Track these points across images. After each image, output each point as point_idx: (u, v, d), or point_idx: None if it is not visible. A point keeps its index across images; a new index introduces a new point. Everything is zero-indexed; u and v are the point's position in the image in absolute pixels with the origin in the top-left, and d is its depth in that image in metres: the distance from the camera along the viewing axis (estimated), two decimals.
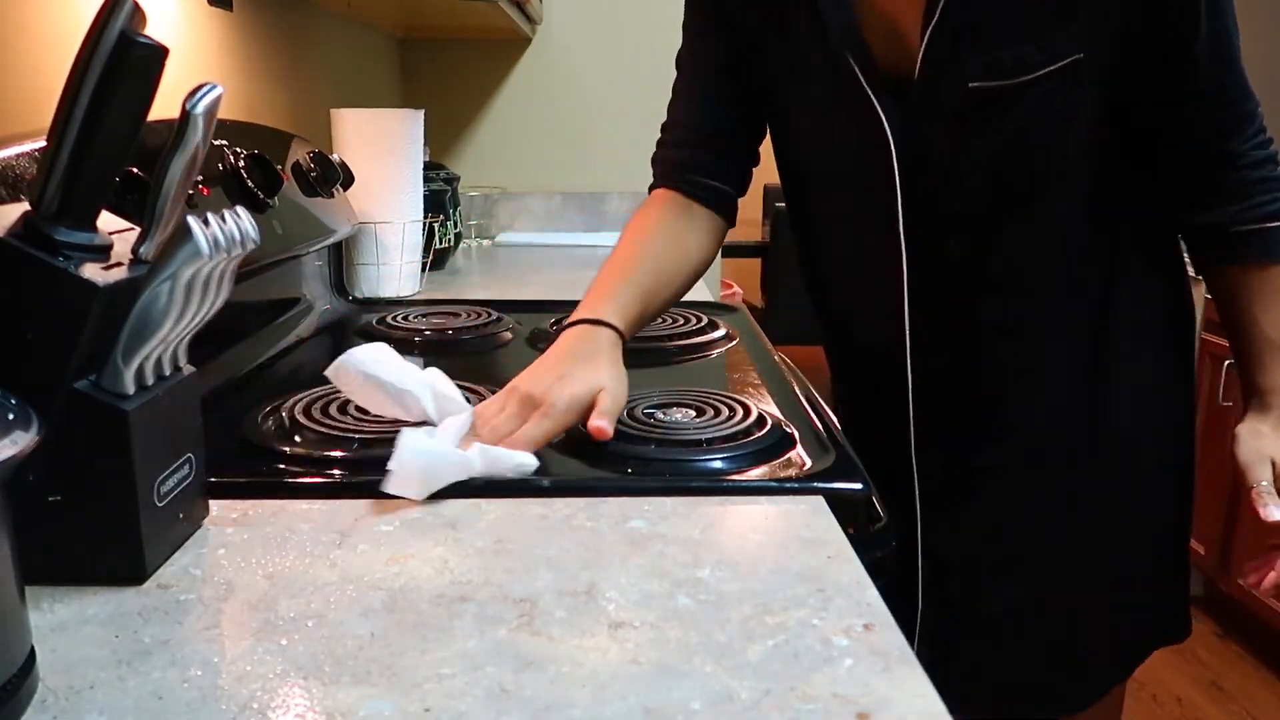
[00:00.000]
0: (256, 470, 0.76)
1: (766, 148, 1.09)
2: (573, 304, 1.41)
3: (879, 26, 0.91)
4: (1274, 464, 0.92)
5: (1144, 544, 1.03)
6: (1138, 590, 1.03)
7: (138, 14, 0.53)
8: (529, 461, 0.74)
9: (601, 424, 0.79)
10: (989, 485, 1.01)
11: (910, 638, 0.94)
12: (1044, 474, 1.00)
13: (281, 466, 0.77)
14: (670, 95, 1.09)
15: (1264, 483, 0.91)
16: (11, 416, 0.44)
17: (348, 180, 1.42)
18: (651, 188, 1.08)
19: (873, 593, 0.57)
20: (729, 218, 1.07)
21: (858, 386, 1.13)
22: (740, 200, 1.09)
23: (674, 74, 1.09)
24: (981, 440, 1.00)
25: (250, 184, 1.09)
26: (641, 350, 1.19)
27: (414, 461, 0.69)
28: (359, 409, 0.87)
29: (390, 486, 0.69)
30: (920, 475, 1.02)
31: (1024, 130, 0.88)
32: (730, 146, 1.06)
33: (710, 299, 1.57)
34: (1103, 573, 1.01)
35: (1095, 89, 0.87)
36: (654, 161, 1.09)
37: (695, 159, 1.05)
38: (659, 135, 1.09)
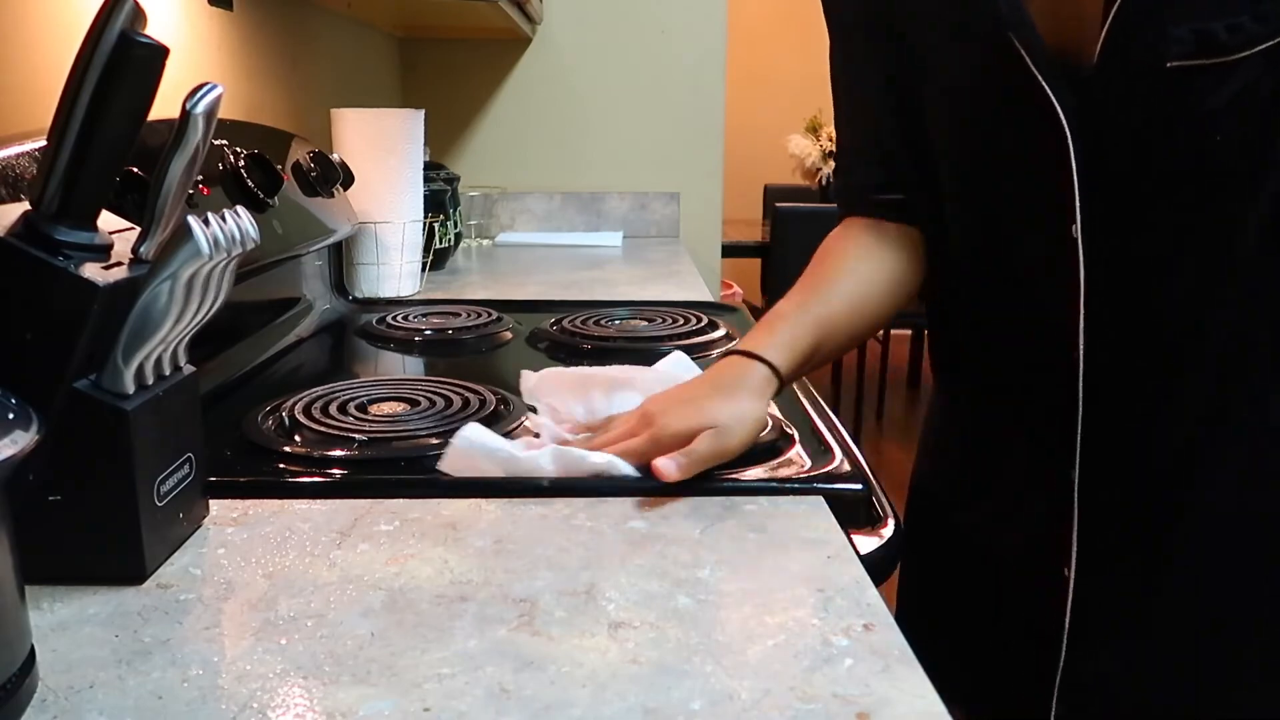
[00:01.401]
0: (256, 470, 0.76)
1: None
2: (572, 304, 1.42)
3: (1052, 13, 0.78)
4: None
5: None
6: None
7: (138, 14, 0.53)
8: (612, 467, 0.73)
9: (667, 465, 0.72)
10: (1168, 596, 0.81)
11: None
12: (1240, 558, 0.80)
13: (281, 466, 0.77)
14: (834, 116, 0.98)
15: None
16: (11, 416, 0.44)
17: (348, 180, 1.42)
18: (840, 218, 0.96)
19: (873, 593, 0.57)
20: (926, 229, 0.93)
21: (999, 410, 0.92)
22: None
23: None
24: (1161, 499, 0.81)
25: (250, 184, 1.09)
26: (642, 350, 1.20)
27: (458, 447, 0.74)
28: (359, 409, 0.87)
29: (441, 464, 0.74)
30: (1080, 494, 0.82)
31: (1230, 115, 0.73)
32: (909, 159, 0.93)
33: (710, 299, 1.57)
34: None
35: None
36: (835, 193, 0.99)
37: (878, 180, 0.93)
38: (834, 164, 0.98)
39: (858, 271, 0.91)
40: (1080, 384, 0.80)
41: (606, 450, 0.75)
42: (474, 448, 0.74)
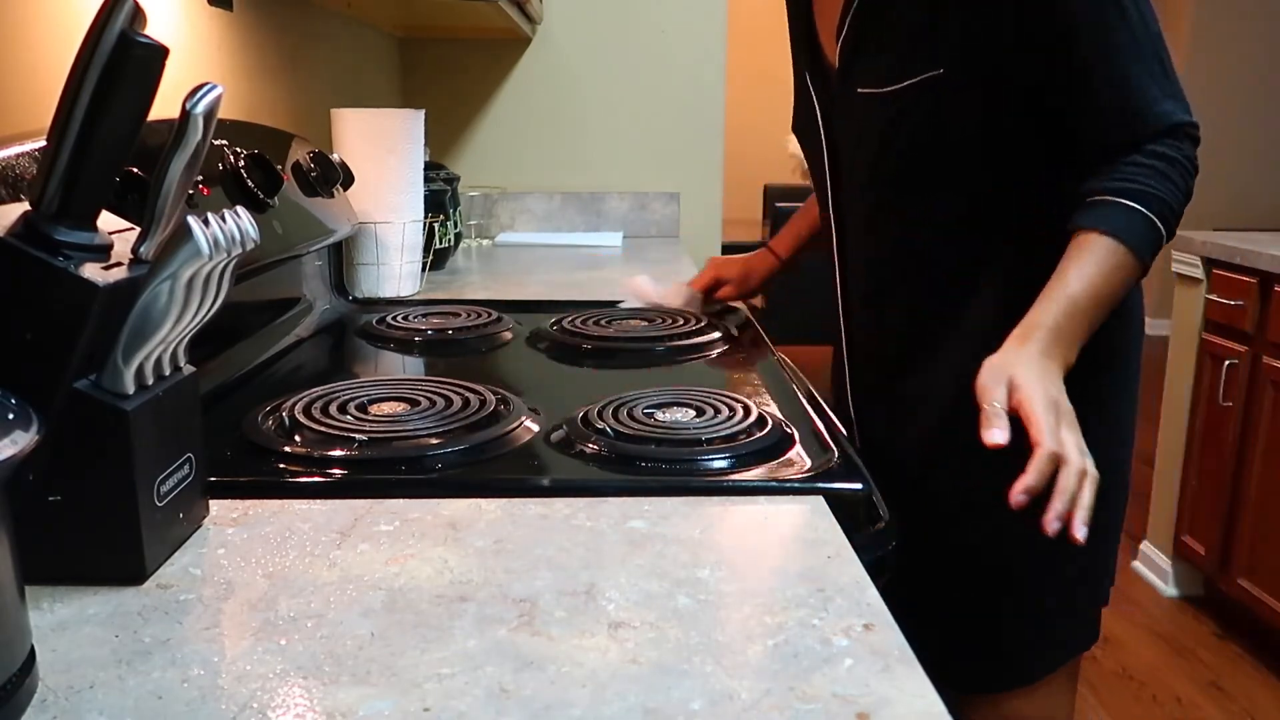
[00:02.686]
0: (256, 470, 0.76)
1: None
2: (573, 304, 1.42)
3: (827, 31, 1.09)
4: (1010, 383, 0.86)
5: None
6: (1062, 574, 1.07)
7: (138, 14, 0.53)
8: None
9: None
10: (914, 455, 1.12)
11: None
12: (954, 448, 1.01)
13: (281, 466, 0.77)
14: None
15: (996, 403, 0.85)
16: (11, 416, 0.44)
17: (348, 180, 1.42)
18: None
19: (873, 593, 0.57)
20: None
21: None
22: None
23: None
24: (896, 406, 1.13)
25: (250, 184, 1.09)
26: (642, 350, 1.20)
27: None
28: (359, 409, 0.87)
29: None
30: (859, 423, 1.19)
31: (900, 128, 1.01)
32: None
33: None
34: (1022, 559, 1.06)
35: (969, 96, 0.96)
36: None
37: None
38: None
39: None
40: (841, 323, 1.17)
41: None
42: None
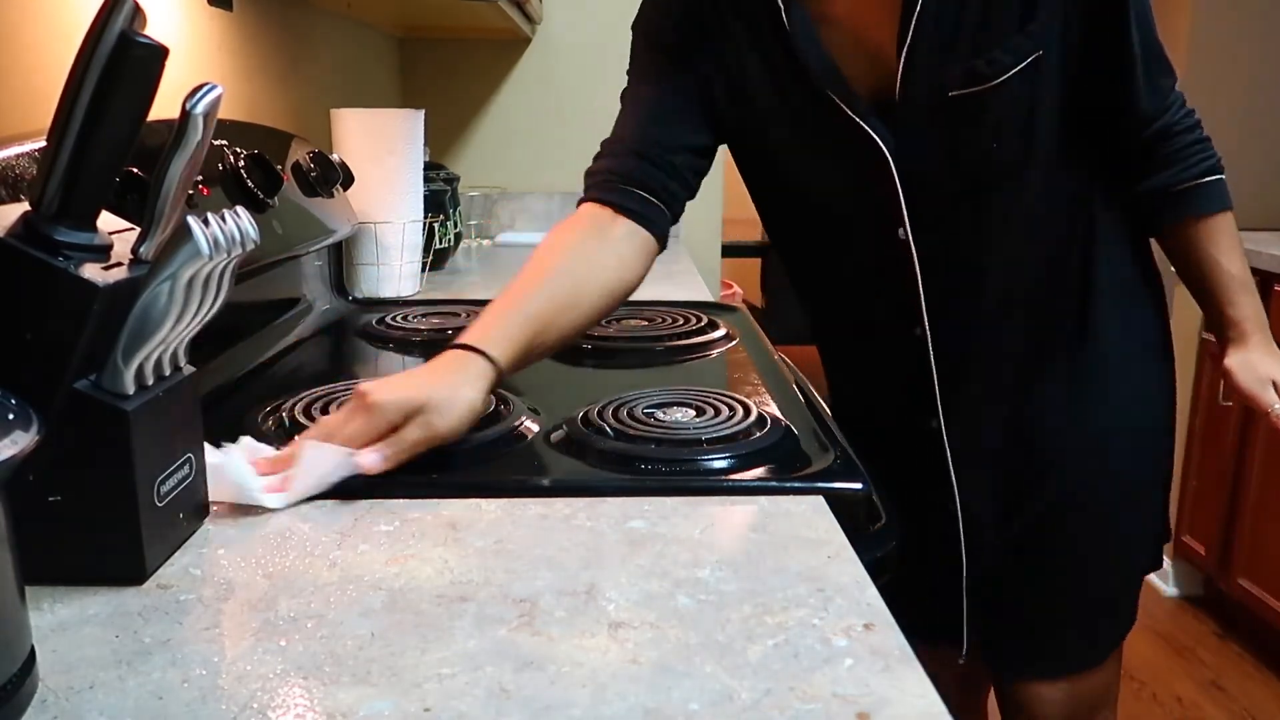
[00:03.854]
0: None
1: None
2: None
3: (853, 55, 0.97)
4: (1275, 384, 1.01)
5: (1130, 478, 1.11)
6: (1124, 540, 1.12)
7: (138, 14, 0.53)
8: (344, 465, 0.70)
9: (370, 459, 0.71)
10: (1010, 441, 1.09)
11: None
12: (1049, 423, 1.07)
13: None
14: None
15: (1276, 405, 1.01)
16: (11, 416, 0.44)
17: (348, 180, 1.42)
18: (580, 202, 1.02)
19: (873, 593, 0.57)
20: (660, 237, 1.01)
21: (870, 379, 1.17)
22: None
23: None
24: (998, 402, 1.08)
25: (250, 184, 1.09)
26: (642, 350, 1.20)
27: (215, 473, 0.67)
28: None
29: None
30: (949, 437, 1.09)
31: (1001, 124, 0.96)
32: (666, 165, 1.01)
33: (710, 299, 1.57)
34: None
35: (1057, 78, 0.95)
36: (586, 175, 1.04)
37: (627, 168, 1.00)
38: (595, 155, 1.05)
39: (574, 273, 0.94)
40: (931, 352, 1.04)
41: (322, 440, 0.72)
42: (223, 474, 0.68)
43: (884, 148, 0.96)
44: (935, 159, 0.98)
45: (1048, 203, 1.01)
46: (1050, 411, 1.06)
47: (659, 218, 1.00)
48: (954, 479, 1.09)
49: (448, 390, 0.76)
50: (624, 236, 0.98)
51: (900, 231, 0.99)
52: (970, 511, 1.10)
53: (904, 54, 0.93)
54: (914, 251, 1.00)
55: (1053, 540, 1.09)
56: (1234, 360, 1.03)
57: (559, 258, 0.96)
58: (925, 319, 1.02)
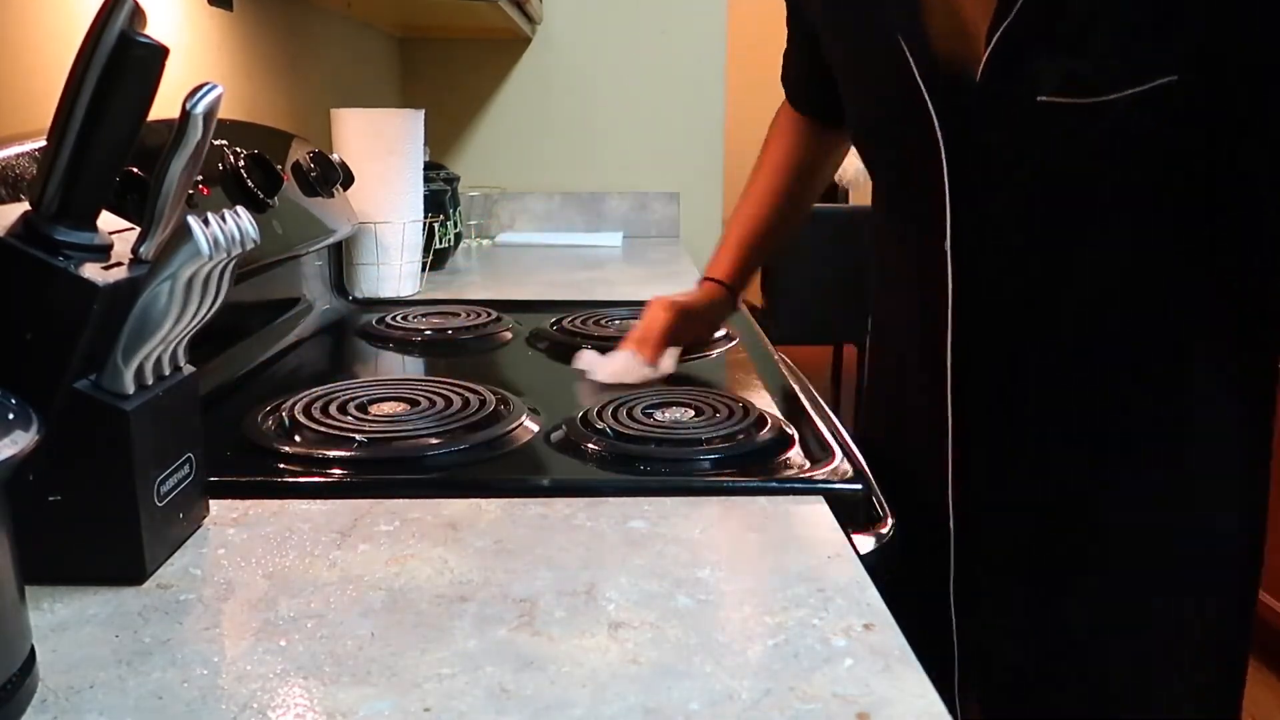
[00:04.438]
0: (256, 470, 0.76)
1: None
2: (572, 304, 1.42)
3: (944, 18, 0.80)
4: None
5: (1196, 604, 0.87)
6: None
7: (138, 14, 0.53)
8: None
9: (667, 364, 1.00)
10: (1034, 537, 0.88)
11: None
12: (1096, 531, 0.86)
13: (281, 466, 0.77)
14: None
15: None
16: (11, 416, 0.44)
17: (348, 180, 1.41)
18: (784, 105, 1.18)
19: (873, 593, 0.57)
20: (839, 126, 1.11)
21: (895, 398, 1.01)
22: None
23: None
24: (1025, 475, 0.87)
25: (250, 184, 1.09)
26: None
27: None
28: (359, 409, 0.87)
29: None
30: (955, 506, 0.89)
31: (1096, 156, 0.76)
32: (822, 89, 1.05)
33: None
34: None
35: (1189, 119, 0.73)
36: (783, 81, 1.18)
37: (803, 88, 1.13)
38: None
39: (792, 191, 1.15)
40: (949, 389, 0.86)
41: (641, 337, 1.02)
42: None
43: (939, 132, 0.79)
44: (999, 170, 0.79)
45: (1141, 267, 0.79)
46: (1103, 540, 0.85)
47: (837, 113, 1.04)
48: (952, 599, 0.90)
49: (682, 312, 1.07)
50: (827, 138, 1.14)
51: (943, 244, 0.83)
52: (973, 623, 0.91)
53: (998, 33, 0.75)
54: (949, 266, 0.83)
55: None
56: None
57: (783, 178, 1.15)
58: (949, 369, 0.85)
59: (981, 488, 0.87)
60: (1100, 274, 0.80)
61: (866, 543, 0.70)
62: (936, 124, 0.80)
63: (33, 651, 0.47)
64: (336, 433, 0.81)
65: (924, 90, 0.80)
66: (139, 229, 0.59)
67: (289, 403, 0.88)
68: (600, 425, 0.83)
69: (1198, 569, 0.85)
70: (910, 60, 0.80)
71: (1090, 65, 0.73)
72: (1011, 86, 0.76)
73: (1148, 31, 0.71)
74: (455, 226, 1.87)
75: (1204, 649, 0.88)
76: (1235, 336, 0.83)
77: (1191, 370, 0.81)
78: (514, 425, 0.85)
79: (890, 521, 0.75)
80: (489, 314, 1.34)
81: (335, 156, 1.39)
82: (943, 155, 0.81)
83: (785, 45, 1.16)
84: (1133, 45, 0.72)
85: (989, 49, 0.76)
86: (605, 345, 1.20)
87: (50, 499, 0.56)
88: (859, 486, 0.74)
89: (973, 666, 0.91)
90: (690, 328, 1.09)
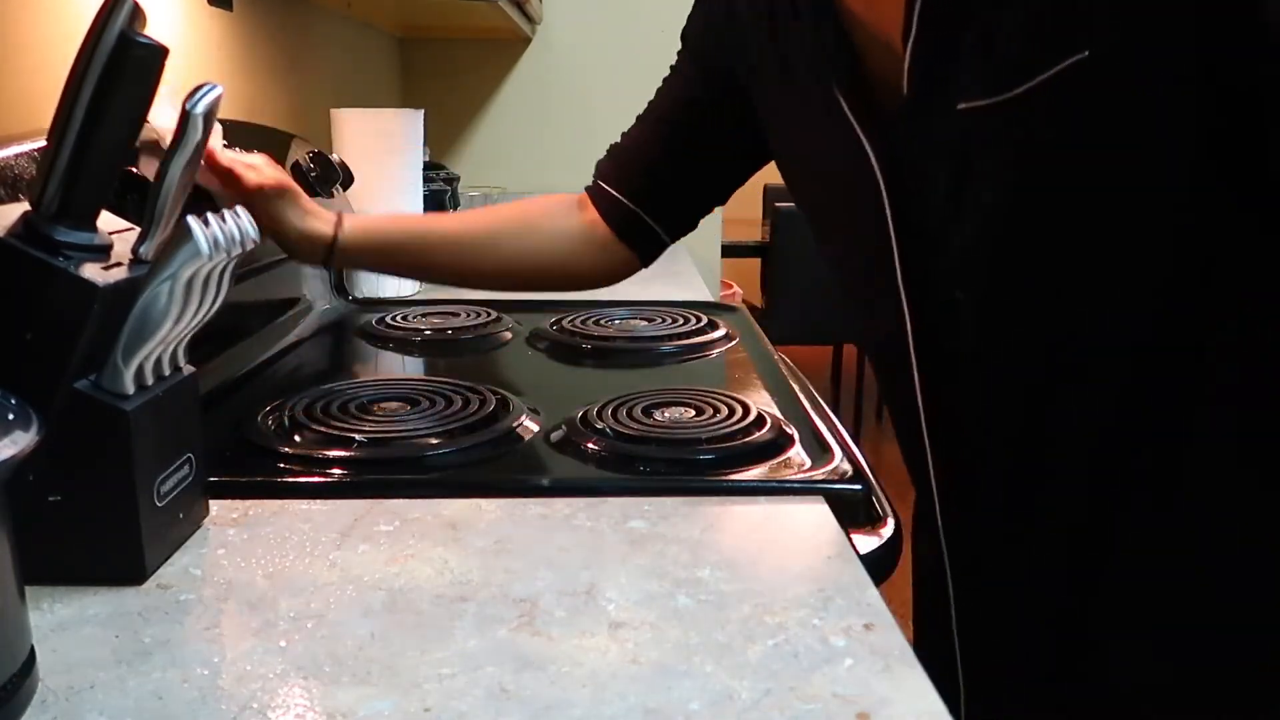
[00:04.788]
0: (256, 470, 0.76)
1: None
2: (572, 304, 1.42)
3: (870, 45, 0.75)
4: None
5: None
6: None
7: (138, 14, 0.53)
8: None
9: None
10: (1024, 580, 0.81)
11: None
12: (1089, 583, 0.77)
13: (281, 466, 0.77)
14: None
15: None
16: (11, 416, 0.44)
17: (348, 180, 1.41)
18: (587, 188, 1.03)
19: (873, 593, 0.57)
20: (643, 254, 1.02)
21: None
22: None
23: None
24: (1011, 518, 0.79)
25: None
26: (641, 350, 1.20)
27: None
28: (359, 409, 0.87)
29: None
30: (950, 552, 0.83)
31: (1029, 157, 0.69)
32: (674, 181, 0.98)
33: (710, 299, 1.57)
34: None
35: (1128, 96, 0.66)
36: (598, 166, 1.04)
37: (624, 176, 0.99)
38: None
39: (502, 233, 1.02)
40: (923, 424, 0.79)
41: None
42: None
43: (875, 164, 0.74)
44: (940, 193, 0.73)
45: (1128, 279, 0.70)
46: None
47: (650, 238, 1.01)
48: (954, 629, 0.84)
49: (293, 210, 0.95)
50: (608, 242, 1.02)
51: (895, 277, 0.76)
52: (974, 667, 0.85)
53: (908, 50, 0.70)
54: (905, 307, 0.76)
55: None
56: None
57: (505, 214, 1.02)
58: (923, 417, 0.79)
59: (961, 503, 0.82)
60: (1059, 284, 0.72)
61: (867, 543, 0.70)
62: (872, 158, 0.75)
63: (33, 651, 0.47)
64: (336, 433, 0.81)
65: (854, 124, 0.75)
66: (139, 229, 0.59)
67: (289, 403, 0.88)
68: (600, 425, 0.83)
69: (1212, 590, 0.75)
70: (840, 98, 0.76)
71: (999, 61, 0.67)
72: (931, 102, 0.71)
73: (1052, 14, 0.65)
74: None
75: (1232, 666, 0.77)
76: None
77: (1178, 385, 0.72)
78: (514, 425, 0.85)
79: (890, 521, 0.75)
80: (489, 314, 1.34)
81: (335, 156, 1.39)
82: (882, 190, 0.75)
83: (633, 134, 1.01)
84: (1039, 31, 0.66)
85: (906, 65, 0.71)
86: (606, 345, 1.20)
87: (50, 499, 0.56)
88: (859, 486, 0.74)
89: (973, 661, 0.86)
90: (278, 206, 0.95)
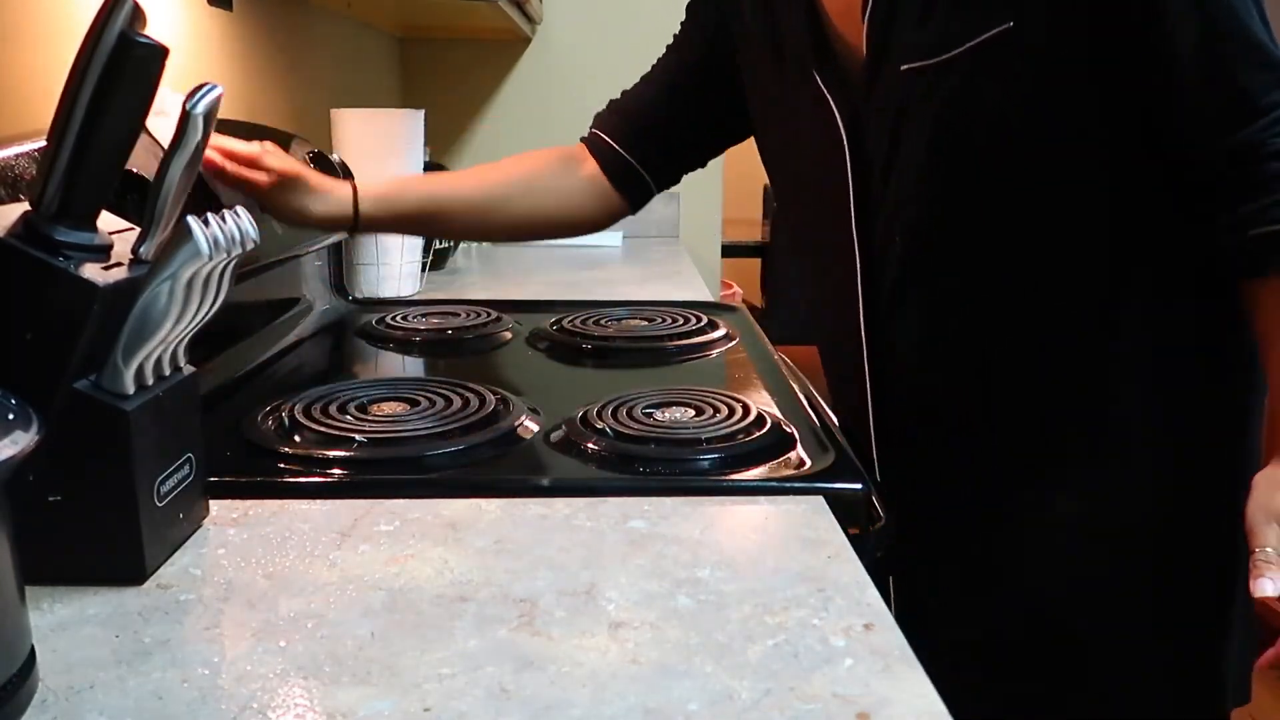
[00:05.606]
0: (256, 470, 0.76)
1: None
2: (572, 304, 1.42)
3: (841, 16, 0.86)
4: None
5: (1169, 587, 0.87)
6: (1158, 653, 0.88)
7: (138, 14, 0.53)
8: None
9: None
10: (960, 515, 0.90)
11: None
12: (1026, 497, 0.87)
13: (281, 466, 0.77)
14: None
15: (1269, 549, 0.72)
16: (11, 416, 0.44)
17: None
18: (584, 136, 1.11)
19: (873, 593, 0.57)
20: (633, 201, 1.10)
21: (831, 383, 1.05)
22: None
23: None
24: (948, 465, 0.89)
25: None
26: (641, 350, 1.20)
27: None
28: (359, 409, 0.87)
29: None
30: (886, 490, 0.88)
31: (958, 117, 0.78)
32: (668, 137, 1.07)
33: (710, 299, 1.57)
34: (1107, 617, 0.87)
35: (1045, 67, 0.75)
36: (595, 115, 1.12)
37: (629, 129, 1.07)
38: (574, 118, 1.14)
39: (508, 193, 1.10)
40: (865, 364, 0.90)
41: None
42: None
43: (840, 122, 0.84)
44: (883, 148, 0.83)
45: (1039, 234, 0.81)
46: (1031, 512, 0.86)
47: (638, 183, 1.08)
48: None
49: (310, 196, 0.97)
50: (595, 185, 1.09)
51: (850, 228, 0.87)
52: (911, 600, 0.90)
53: (865, 16, 0.81)
54: (857, 256, 0.86)
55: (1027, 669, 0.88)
56: (1261, 477, 0.76)
57: (512, 173, 1.10)
58: (866, 364, 0.87)
59: (902, 470, 0.90)
60: (1003, 244, 0.82)
61: (866, 543, 0.70)
62: (837, 117, 0.85)
63: (33, 652, 0.47)
64: (336, 433, 0.81)
65: (822, 86, 0.86)
66: (139, 229, 0.59)
67: (289, 403, 0.88)
68: (600, 425, 0.83)
69: (1121, 558, 0.86)
70: (821, 87, 0.86)
71: (935, 29, 0.77)
72: (883, 65, 0.81)
73: None
74: None
75: (1168, 632, 0.88)
76: (1176, 331, 0.83)
77: (1119, 357, 0.83)
78: (514, 425, 0.85)
79: (890, 521, 0.75)
80: (489, 314, 1.34)
81: (335, 156, 1.39)
82: (846, 159, 0.85)
83: (634, 91, 1.11)
84: (972, 3, 0.76)
85: (864, 31, 0.82)
86: (606, 345, 1.20)
87: (50, 499, 0.56)
88: (859, 486, 0.74)
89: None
90: (293, 194, 0.98)
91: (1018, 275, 0.83)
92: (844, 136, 0.85)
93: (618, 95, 1.15)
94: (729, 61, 1.00)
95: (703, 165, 1.12)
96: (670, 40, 1.09)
